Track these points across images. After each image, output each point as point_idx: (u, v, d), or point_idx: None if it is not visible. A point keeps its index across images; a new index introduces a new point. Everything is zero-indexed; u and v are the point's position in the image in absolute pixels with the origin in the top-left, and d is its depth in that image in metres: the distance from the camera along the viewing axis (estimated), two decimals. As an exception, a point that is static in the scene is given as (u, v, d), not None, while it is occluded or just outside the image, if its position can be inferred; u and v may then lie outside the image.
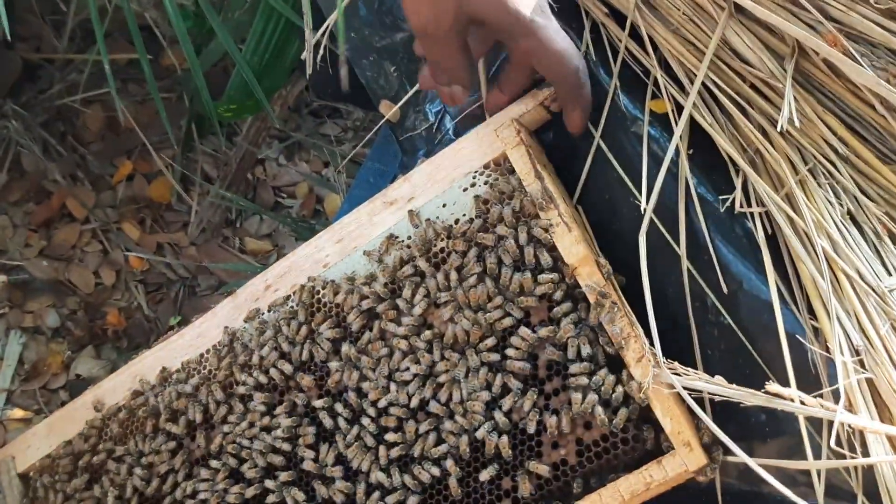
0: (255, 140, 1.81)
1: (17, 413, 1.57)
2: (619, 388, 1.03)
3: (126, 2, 1.57)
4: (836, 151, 1.06)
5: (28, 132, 1.79)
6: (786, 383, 0.96)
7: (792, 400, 0.89)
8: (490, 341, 1.11)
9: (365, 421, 1.16)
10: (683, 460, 1.01)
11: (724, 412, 1.03)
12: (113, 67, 1.88)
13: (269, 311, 1.28)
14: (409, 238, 1.21)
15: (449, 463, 1.11)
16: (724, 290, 1.06)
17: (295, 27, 1.53)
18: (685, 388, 0.96)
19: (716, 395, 0.94)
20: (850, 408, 0.91)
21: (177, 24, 1.45)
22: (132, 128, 1.87)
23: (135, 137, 1.90)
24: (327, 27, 1.32)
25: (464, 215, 1.19)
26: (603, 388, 1.04)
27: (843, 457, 0.89)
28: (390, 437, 1.15)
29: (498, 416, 1.09)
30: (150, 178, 1.91)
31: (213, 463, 1.25)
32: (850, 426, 0.89)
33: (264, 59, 1.59)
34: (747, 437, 1.06)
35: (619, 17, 1.21)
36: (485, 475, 1.09)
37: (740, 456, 0.90)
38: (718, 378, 0.94)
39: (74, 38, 1.95)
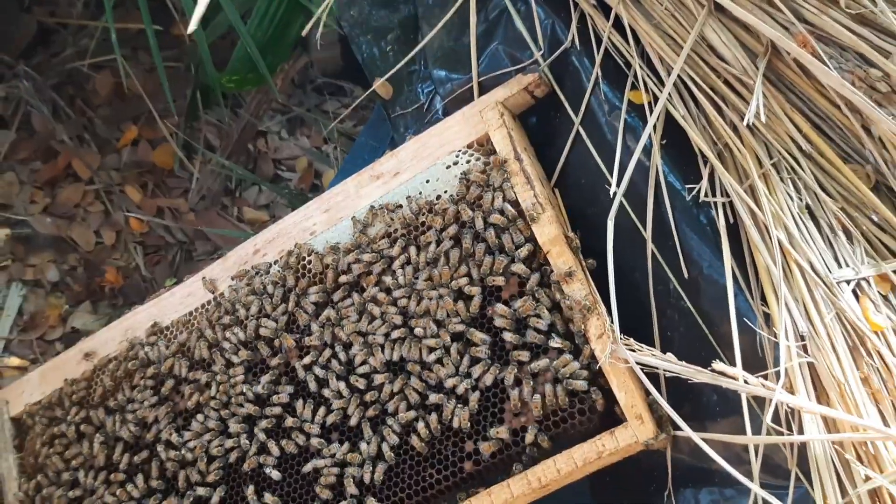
0: (258, 112, 1.86)
1: (14, 361, 1.63)
2: (575, 365, 1.09)
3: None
4: (800, 148, 1.11)
5: (38, 93, 1.85)
6: (734, 363, 1.02)
7: (735, 379, 0.94)
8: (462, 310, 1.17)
9: (343, 380, 1.22)
10: (635, 432, 1.06)
11: (681, 392, 1.08)
12: (125, 35, 1.94)
13: (255, 273, 1.34)
14: (394, 210, 1.26)
15: (420, 425, 1.17)
16: (686, 275, 1.12)
17: (299, 4, 1.59)
18: (638, 364, 1.01)
19: (666, 370, 0.99)
20: (791, 389, 0.96)
21: (184, -6, 1.51)
22: (139, 94, 1.93)
23: (142, 104, 1.95)
24: (328, 5, 1.37)
25: (445, 192, 1.24)
26: (557, 365, 1.10)
27: (781, 435, 0.95)
28: (368, 396, 1.21)
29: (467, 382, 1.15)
30: (154, 144, 1.97)
31: (198, 416, 1.31)
32: (788, 406, 0.94)
33: (268, 34, 1.64)
34: (701, 416, 1.11)
35: (606, 9, 1.26)
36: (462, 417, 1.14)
37: (684, 429, 0.95)
38: (669, 355, 0.99)
39: (89, 5, 2.00)
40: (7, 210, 1.79)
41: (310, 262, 1.30)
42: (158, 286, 1.76)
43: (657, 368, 1.02)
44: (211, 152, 1.99)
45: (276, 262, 1.33)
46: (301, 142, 2.08)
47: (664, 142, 1.17)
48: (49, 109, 1.89)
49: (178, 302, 1.40)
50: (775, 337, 1.00)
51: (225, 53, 1.88)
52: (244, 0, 1.65)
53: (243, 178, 1.84)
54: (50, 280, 1.73)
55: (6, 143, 1.85)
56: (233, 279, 1.36)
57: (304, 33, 1.40)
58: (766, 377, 0.97)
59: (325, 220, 1.32)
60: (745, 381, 0.95)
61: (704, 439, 0.95)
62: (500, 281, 1.15)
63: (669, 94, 1.16)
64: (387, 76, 1.41)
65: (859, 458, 0.91)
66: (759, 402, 1.01)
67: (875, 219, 1.07)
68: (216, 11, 1.70)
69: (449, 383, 1.16)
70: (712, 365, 0.96)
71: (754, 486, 0.92)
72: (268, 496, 1.25)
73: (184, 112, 1.97)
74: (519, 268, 1.14)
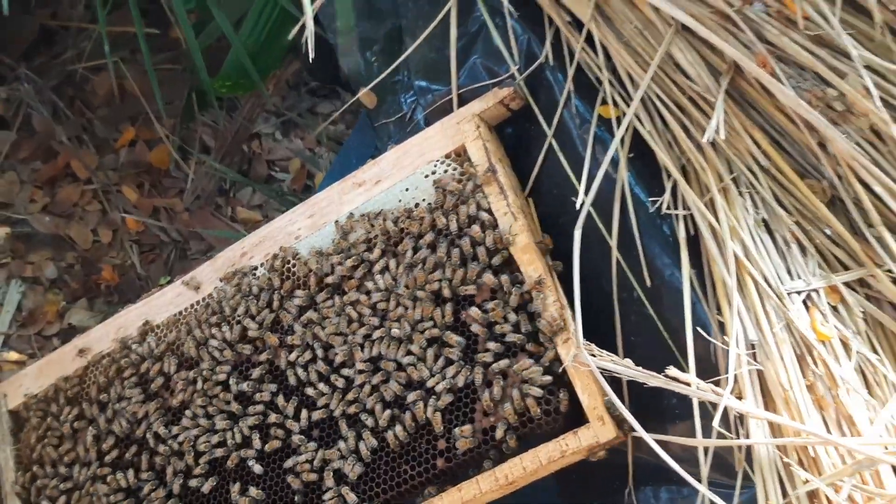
0: (252, 115, 1.92)
1: (13, 356, 1.69)
2: (535, 369, 1.15)
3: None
4: (759, 163, 1.16)
5: (39, 95, 1.90)
6: (695, 369, 1.07)
7: (687, 384, 1.00)
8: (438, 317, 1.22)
9: (324, 380, 1.28)
10: (596, 432, 1.12)
11: (645, 395, 1.14)
12: (124, 37, 1.99)
13: (242, 275, 1.39)
14: (375, 217, 1.32)
15: (398, 428, 1.23)
16: (648, 283, 1.17)
17: (290, 13, 1.64)
18: (599, 368, 1.07)
19: (623, 375, 1.05)
20: (740, 395, 1.01)
21: (177, 6, 1.56)
22: (137, 96, 1.98)
23: (139, 105, 2.01)
24: (315, 9, 1.41)
25: (423, 199, 1.30)
26: (517, 368, 1.16)
27: (731, 438, 1.00)
28: (348, 395, 1.26)
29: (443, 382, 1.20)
30: (151, 145, 2.03)
31: (187, 412, 1.37)
32: (737, 411, 1.00)
33: (260, 41, 1.69)
34: (662, 418, 1.17)
35: (580, 26, 1.31)
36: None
37: (637, 430, 1.01)
38: (627, 361, 1.05)
39: (90, 7, 2.05)
40: (7, 209, 1.84)
41: (294, 265, 1.35)
42: (153, 284, 1.82)
43: (620, 374, 1.08)
44: (206, 153, 2.05)
45: (262, 265, 1.39)
46: (294, 143, 2.13)
47: (631, 155, 1.22)
48: (49, 111, 1.95)
49: (168, 301, 1.46)
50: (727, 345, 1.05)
51: (222, 55, 1.93)
52: (237, 7, 1.71)
53: (235, 180, 1.89)
54: (48, 277, 1.78)
55: (7, 144, 1.90)
56: (221, 280, 1.42)
57: (290, 37, 1.46)
58: (717, 383, 1.03)
59: (309, 225, 1.38)
60: (697, 387, 1.00)
61: (657, 440, 1.00)
62: (471, 290, 1.21)
63: (637, 109, 1.22)
64: (371, 86, 1.46)
65: (801, 462, 0.97)
66: (714, 406, 1.06)
67: (828, 233, 1.13)
68: (211, 17, 1.75)
69: (429, 383, 1.21)
70: (666, 371, 1.02)
71: (702, 487, 0.97)
72: (252, 490, 1.31)
73: (180, 114, 2.02)
74: (488, 279, 1.20)
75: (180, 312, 1.44)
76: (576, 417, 1.16)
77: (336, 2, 1.45)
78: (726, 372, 1.04)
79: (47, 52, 1.97)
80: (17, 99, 1.90)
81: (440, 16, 1.38)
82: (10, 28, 1.80)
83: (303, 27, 1.40)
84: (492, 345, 1.19)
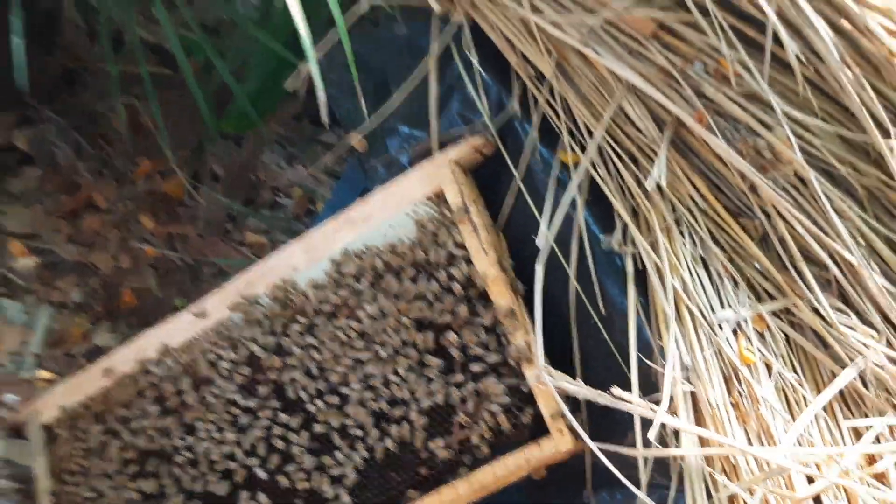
0: (256, 148, 2.09)
1: (45, 374, 1.87)
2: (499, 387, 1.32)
3: (132, 26, 1.86)
4: (697, 206, 1.32)
5: (62, 134, 2.08)
6: (642, 389, 1.24)
7: (629, 402, 1.16)
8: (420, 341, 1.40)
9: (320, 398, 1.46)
10: (556, 443, 1.29)
11: (600, 411, 1.30)
12: (139, 76, 2.17)
13: (248, 304, 1.56)
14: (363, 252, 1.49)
15: (386, 441, 1.40)
16: (603, 311, 1.34)
17: (290, 63, 1.81)
18: (556, 388, 1.23)
19: (578, 394, 1.21)
20: (674, 411, 1.18)
21: (180, 58, 1.74)
22: (151, 131, 2.16)
23: (154, 139, 2.18)
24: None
25: (406, 237, 1.46)
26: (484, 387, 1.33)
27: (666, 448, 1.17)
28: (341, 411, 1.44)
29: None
30: (165, 175, 2.20)
31: (200, 426, 1.55)
32: (671, 426, 1.16)
33: (261, 85, 1.86)
34: (618, 429, 1.33)
35: (543, 78, 1.47)
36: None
37: (586, 441, 1.17)
38: (578, 381, 1.21)
39: (118, 48, 2.21)
40: (35, 239, 2.02)
41: (294, 295, 1.52)
42: (169, 306, 1.99)
43: (573, 392, 1.24)
44: (216, 182, 2.22)
45: (265, 295, 1.56)
46: (298, 171, 2.30)
47: (589, 198, 1.39)
48: (72, 147, 2.13)
49: (183, 327, 1.63)
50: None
51: (227, 91, 2.09)
52: (239, 55, 1.88)
53: (240, 210, 2.07)
54: (74, 301, 1.96)
55: (34, 179, 2.08)
56: (229, 308, 1.59)
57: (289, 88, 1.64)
58: (657, 402, 1.19)
59: (306, 260, 1.54)
60: (638, 405, 1.17)
61: (602, 449, 1.16)
62: (448, 318, 1.38)
63: (593, 157, 1.38)
64: (361, 131, 1.63)
65: (724, 470, 1.13)
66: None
67: (758, 267, 1.29)
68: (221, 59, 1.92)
69: (412, 400, 1.38)
70: (610, 389, 1.18)
71: (641, 494, 1.14)
72: (261, 496, 1.49)
73: (192, 146, 2.20)
74: (463, 309, 1.36)
75: (194, 337, 1.61)
76: (540, 429, 1.33)
77: (331, 57, 1.61)
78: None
79: (69, 92, 2.14)
80: (41, 138, 2.07)
81: (424, 73, 1.55)
82: (35, 71, 1.97)
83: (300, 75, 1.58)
84: (470, 366, 1.36)
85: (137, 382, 1.63)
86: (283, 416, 1.49)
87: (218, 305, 1.61)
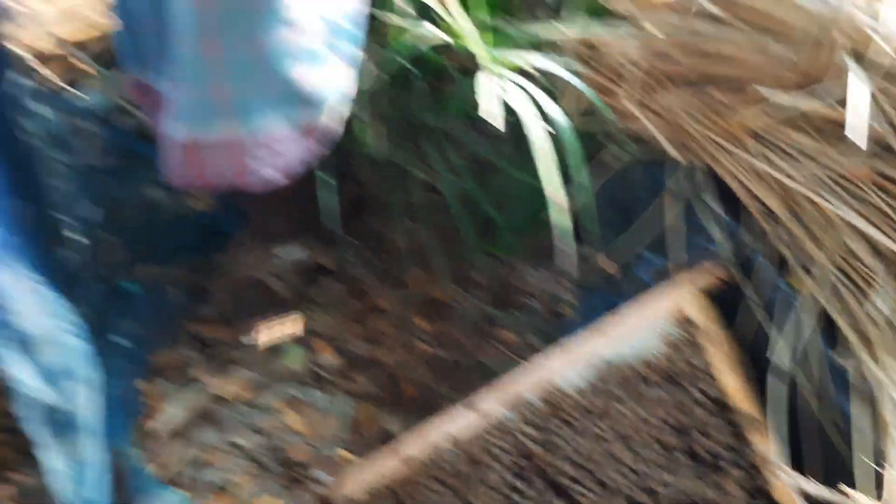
0: (514, 263, 2.46)
1: (345, 454, 2.28)
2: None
3: (410, 166, 2.28)
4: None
5: (356, 253, 2.53)
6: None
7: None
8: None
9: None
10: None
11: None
12: (416, 204, 2.57)
13: (521, 405, 1.89)
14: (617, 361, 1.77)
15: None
16: (832, 420, 1.54)
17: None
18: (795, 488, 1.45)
19: (814, 494, 1.43)
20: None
21: (447, 194, 2.12)
22: (425, 247, 2.57)
23: (425, 250, 2.59)
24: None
25: (655, 350, 1.73)
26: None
27: None
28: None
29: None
30: (435, 283, 2.60)
31: (480, 504, 1.88)
32: None
33: (520, 213, 2.23)
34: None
35: (771, 213, 1.70)
36: None
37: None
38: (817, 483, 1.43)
39: (398, 182, 2.63)
40: (334, 341, 2.47)
41: (559, 398, 1.83)
42: (444, 397, 2.35)
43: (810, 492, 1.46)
44: (478, 289, 2.59)
45: (533, 396, 1.87)
46: (543, 276, 2.64)
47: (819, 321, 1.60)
48: (361, 262, 2.57)
49: (466, 419, 1.97)
50: None
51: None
52: (501, 188, 2.25)
53: (492, 314, 2.42)
54: (367, 392, 2.37)
55: (333, 289, 2.54)
56: (502, 406, 1.92)
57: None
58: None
59: (567, 365, 1.85)
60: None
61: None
62: (696, 424, 1.63)
63: (818, 283, 1.60)
64: (610, 254, 1.93)
65: None
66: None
67: None
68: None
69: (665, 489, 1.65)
70: (839, 486, 1.39)
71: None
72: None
73: (458, 259, 2.59)
74: (708, 417, 1.62)
75: (475, 431, 1.94)
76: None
77: (580, 193, 1.93)
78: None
79: (359, 217, 2.61)
80: (342, 257, 2.54)
81: (661, 206, 1.83)
82: (325, 205, 2.42)
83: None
84: (716, 464, 1.60)
85: (429, 470, 1.98)
86: (552, 499, 1.79)
87: (494, 403, 1.94)
